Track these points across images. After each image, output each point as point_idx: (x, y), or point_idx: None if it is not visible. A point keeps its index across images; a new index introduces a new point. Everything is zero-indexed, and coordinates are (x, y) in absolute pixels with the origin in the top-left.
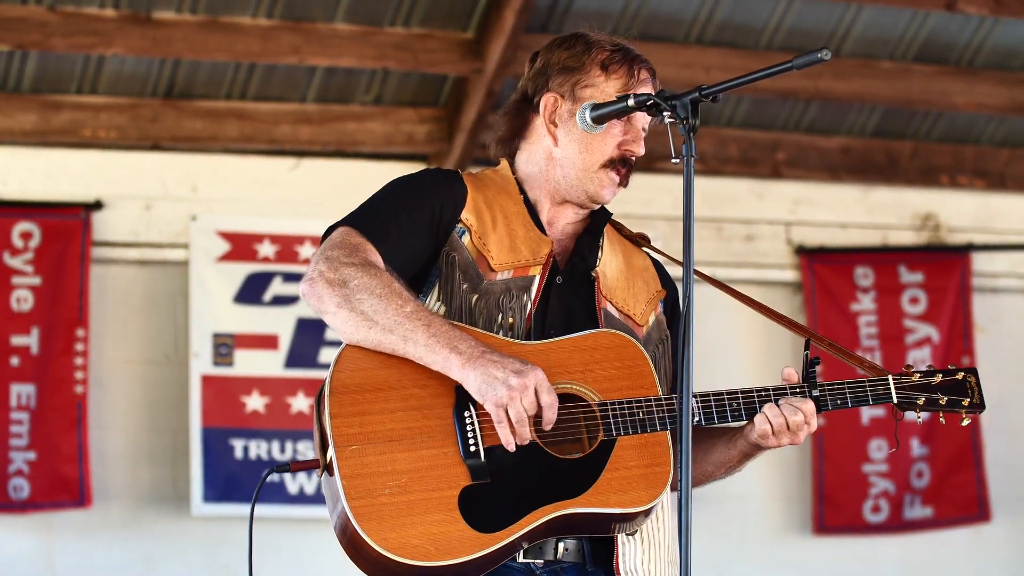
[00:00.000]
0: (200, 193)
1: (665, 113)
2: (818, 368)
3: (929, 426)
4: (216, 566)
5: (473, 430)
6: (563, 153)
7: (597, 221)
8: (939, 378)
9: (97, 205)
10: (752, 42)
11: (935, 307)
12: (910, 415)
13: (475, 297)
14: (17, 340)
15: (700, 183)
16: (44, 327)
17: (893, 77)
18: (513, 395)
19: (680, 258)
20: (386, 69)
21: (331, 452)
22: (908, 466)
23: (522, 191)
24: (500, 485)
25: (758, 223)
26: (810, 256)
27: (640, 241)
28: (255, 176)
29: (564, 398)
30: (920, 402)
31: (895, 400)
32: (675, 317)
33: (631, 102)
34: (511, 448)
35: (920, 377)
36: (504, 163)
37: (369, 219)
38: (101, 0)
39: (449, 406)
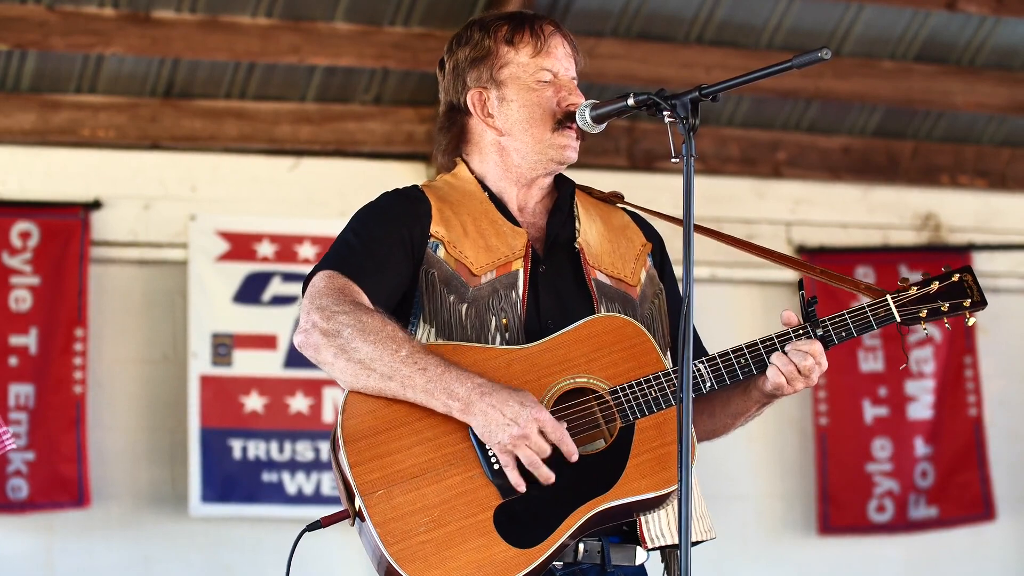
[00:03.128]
0: (199, 193)
1: (665, 112)
2: (816, 306)
3: (933, 425)
4: (215, 566)
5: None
6: (511, 138)
7: (565, 193)
8: (936, 285)
9: (96, 205)
10: (752, 41)
11: None
12: (916, 330)
13: (464, 307)
14: (16, 340)
15: (700, 182)
16: (43, 327)
17: (894, 77)
18: (516, 442)
19: (650, 207)
20: (386, 68)
21: (358, 501)
22: (912, 465)
23: (485, 188)
24: (532, 497)
25: (758, 223)
26: (810, 256)
27: (614, 199)
28: (254, 176)
29: (575, 392)
30: (923, 314)
31: (898, 319)
32: (665, 268)
33: (631, 101)
34: (521, 490)
35: (918, 289)
36: (460, 164)
37: (346, 259)
38: None
39: (464, 429)
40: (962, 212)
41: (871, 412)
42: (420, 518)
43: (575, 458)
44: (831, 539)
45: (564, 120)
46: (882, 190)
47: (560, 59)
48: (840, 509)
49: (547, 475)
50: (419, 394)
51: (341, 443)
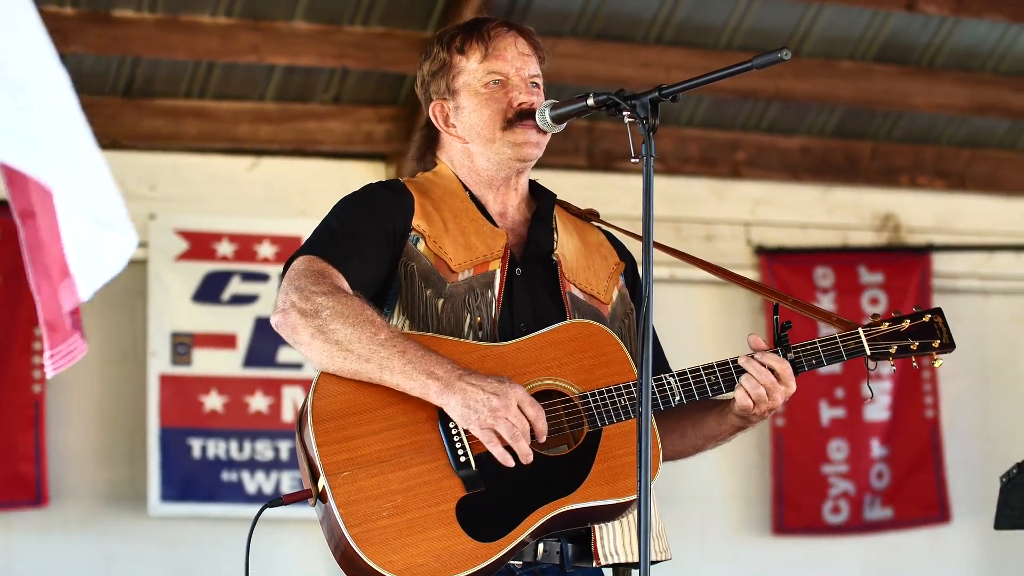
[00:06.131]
0: (159, 192)
1: (624, 112)
2: (789, 331)
3: (890, 427)
4: (174, 565)
5: (460, 440)
6: (472, 142)
7: (545, 205)
8: (907, 323)
9: None
10: (712, 42)
11: (895, 308)
12: (884, 366)
13: (440, 302)
14: None
15: (659, 183)
16: (2, 326)
17: (853, 77)
18: (498, 416)
19: (624, 228)
20: (345, 68)
21: (323, 481)
22: (868, 467)
23: (466, 188)
24: (495, 492)
25: (718, 223)
26: (770, 256)
27: (589, 216)
28: (214, 175)
29: (544, 395)
30: (892, 350)
31: (868, 352)
32: (637, 288)
33: (590, 101)
34: (510, 464)
35: (889, 325)
36: (441, 163)
37: (327, 244)
38: None
39: (433, 419)
40: (921, 213)
41: (828, 413)
42: (383, 503)
43: (544, 439)
44: (786, 539)
45: (515, 119)
46: (841, 191)
47: (510, 60)
48: (795, 510)
49: (526, 452)
50: (396, 376)
51: (310, 422)
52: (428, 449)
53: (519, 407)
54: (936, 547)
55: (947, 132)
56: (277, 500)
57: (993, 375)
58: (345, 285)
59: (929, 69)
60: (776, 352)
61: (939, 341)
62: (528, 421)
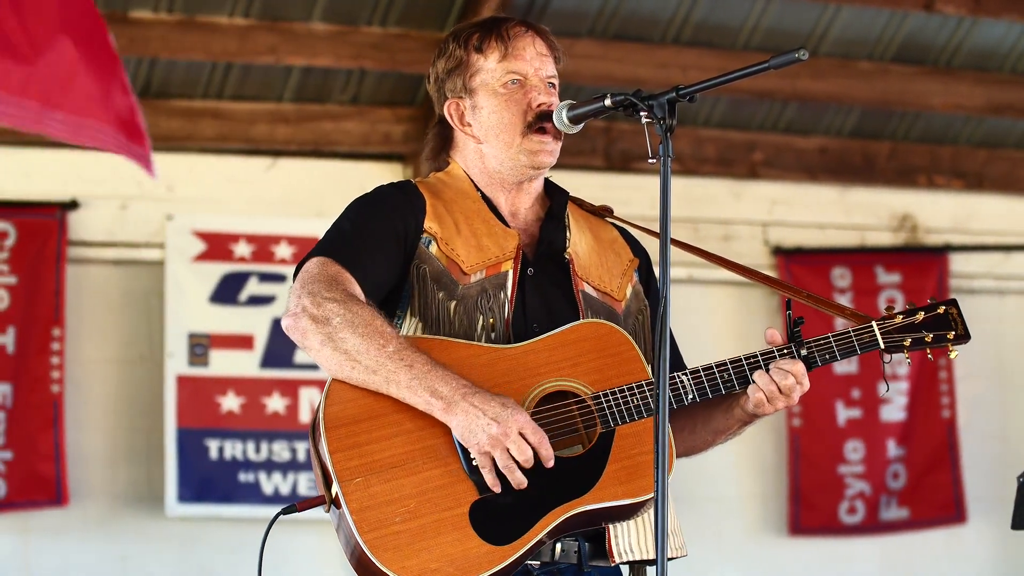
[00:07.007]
0: (176, 193)
1: (642, 113)
2: (802, 326)
3: (906, 427)
4: (191, 566)
5: None
6: (487, 144)
7: (558, 203)
8: (921, 315)
9: (73, 204)
10: (729, 42)
11: None
12: (898, 357)
13: (453, 304)
14: None
15: (677, 183)
16: (20, 326)
17: (871, 77)
18: (495, 443)
19: (639, 225)
20: (363, 69)
21: (336, 488)
22: (884, 467)
23: (477, 188)
24: (508, 494)
25: (735, 223)
26: (787, 257)
27: (603, 213)
28: (231, 176)
29: (557, 395)
30: (907, 343)
31: (882, 345)
32: (651, 284)
33: (608, 101)
34: (496, 490)
35: (903, 318)
36: (454, 163)
37: (339, 246)
38: None
39: (445, 423)
40: (939, 213)
41: (844, 414)
42: (396, 508)
43: (551, 464)
44: (802, 540)
45: (535, 122)
46: (859, 191)
47: (529, 60)
48: (811, 510)
49: (520, 480)
50: (402, 390)
51: (322, 429)
52: (440, 453)
53: (521, 434)
54: (952, 547)
55: (964, 132)
56: (291, 507)
57: (1010, 375)
58: (358, 291)
59: (947, 69)
60: (789, 348)
61: (954, 332)
62: (531, 447)
